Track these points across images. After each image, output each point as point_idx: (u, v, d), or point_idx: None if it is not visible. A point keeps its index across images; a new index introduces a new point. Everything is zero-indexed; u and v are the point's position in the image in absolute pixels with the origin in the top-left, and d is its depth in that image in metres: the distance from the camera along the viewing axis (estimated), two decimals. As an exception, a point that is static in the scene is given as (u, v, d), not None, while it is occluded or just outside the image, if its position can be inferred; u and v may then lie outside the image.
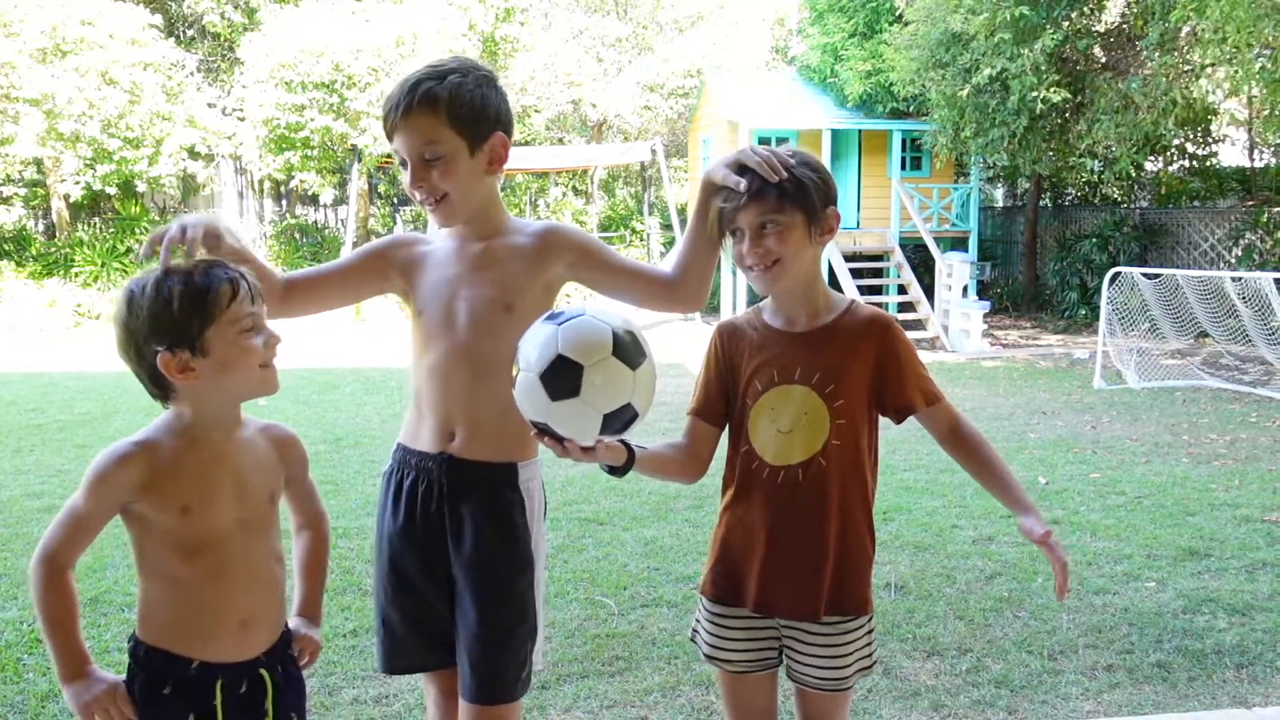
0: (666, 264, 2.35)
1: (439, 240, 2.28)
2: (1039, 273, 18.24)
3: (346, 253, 18.72)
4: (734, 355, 2.18)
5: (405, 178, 2.15)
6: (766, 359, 2.12)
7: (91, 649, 1.88)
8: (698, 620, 2.25)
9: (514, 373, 1.86)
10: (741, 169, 2.05)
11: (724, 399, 2.19)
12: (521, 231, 2.26)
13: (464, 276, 2.19)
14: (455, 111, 2.08)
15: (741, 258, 2.07)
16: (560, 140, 24.60)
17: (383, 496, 2.27)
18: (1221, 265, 14.91)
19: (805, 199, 2.03)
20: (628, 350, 1.82)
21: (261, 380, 1.86)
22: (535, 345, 1.82)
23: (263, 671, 1.91)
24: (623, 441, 1.96)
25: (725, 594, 2.17)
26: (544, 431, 1.86)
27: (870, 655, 2.18)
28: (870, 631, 2.17)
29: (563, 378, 1.78)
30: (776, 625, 2.16)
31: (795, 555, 2.08)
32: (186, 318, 1.77)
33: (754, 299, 14.67)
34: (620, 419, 1.84)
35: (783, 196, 2.02)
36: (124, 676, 1.87)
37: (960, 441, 2.13)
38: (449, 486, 2.16)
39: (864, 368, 2.08)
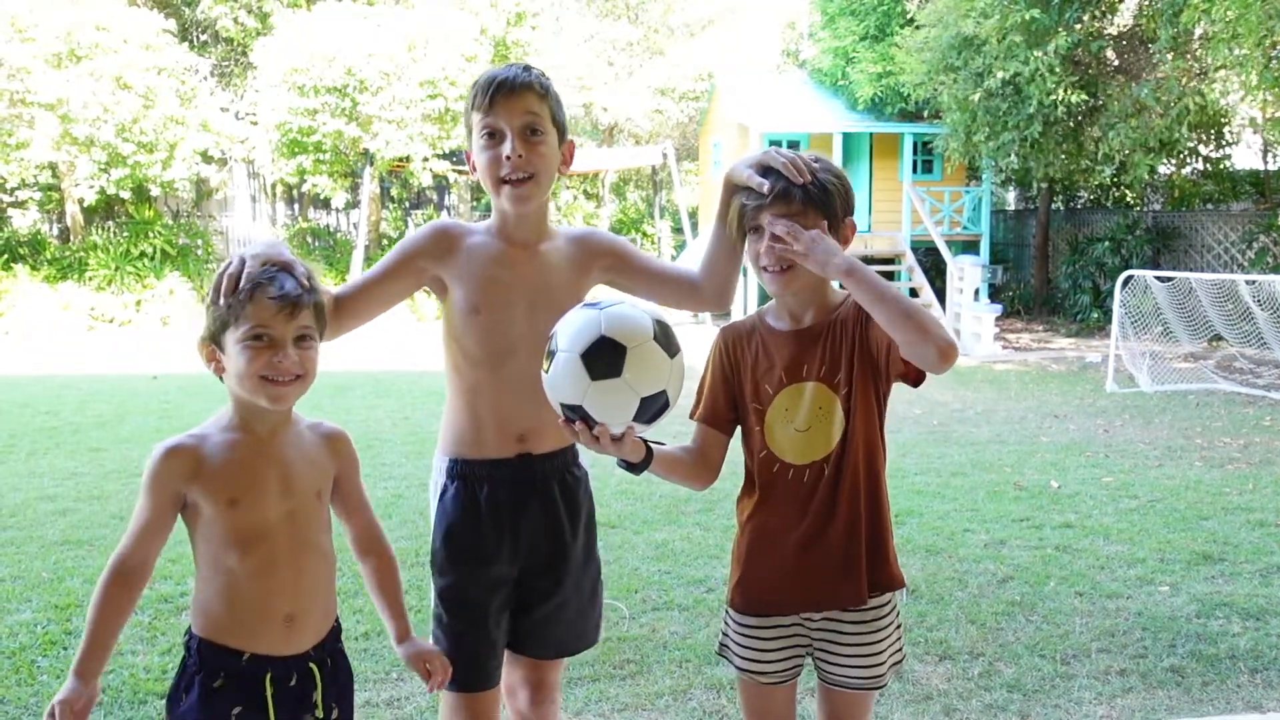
0: (690, 262, 2.38)
1: (482, 235, 2.28)
2: (1051, 276, 18.17)
3: (358, 257, 18.84)
4: (739, 360, 2.19)
5: (490, 152, 2.15)
6: (773, 362, 2.13)
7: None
8: (725, 634, 2.24)
9: (546, 358, 1.87)
10: (765, 170, 2.05)
11: (731, 405, 2.19)
12: (561, 237, 2.33)
13: (523, 282, 2.22)
14: (555, 105, 2.22)
15: (758, 257, 2.07)
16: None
17: (447, 518, 2.25)
18: (1235, 268, 14.84)
19: (829, 205, 2.03)
20: (665, 339, 1.87)
21: (257, 391, 1.87)
22: (575, 328, 1.84)
23: (312, 665, 1.96)
24: (642, 439, 1.98)
25: (756, 604, 2.17)
26: (575, 416, 1.87)
27: (901, 647, 2.20)
28: (899, 620, 2.19)
29: (605, 358, 1.80)
30: (807, 630, 2.16)
31: (834, 546, 2.09)
32: (216, 314, 1.88)
33: (764, 299, 14.58)
34: (655, 405, 1.86)
35: (807, 200, 2.01)
36: (178, 668, 1.95)
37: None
38: (526, 482, 2.23)
39: (858, 343, 2.07)
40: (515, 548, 2.24)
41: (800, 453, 2.10)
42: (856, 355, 2.06)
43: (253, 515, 1.89)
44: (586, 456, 2.32)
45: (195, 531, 1.92)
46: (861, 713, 2.19)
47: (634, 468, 2.00)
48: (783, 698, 2.22)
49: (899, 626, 2.18)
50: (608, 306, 1.87)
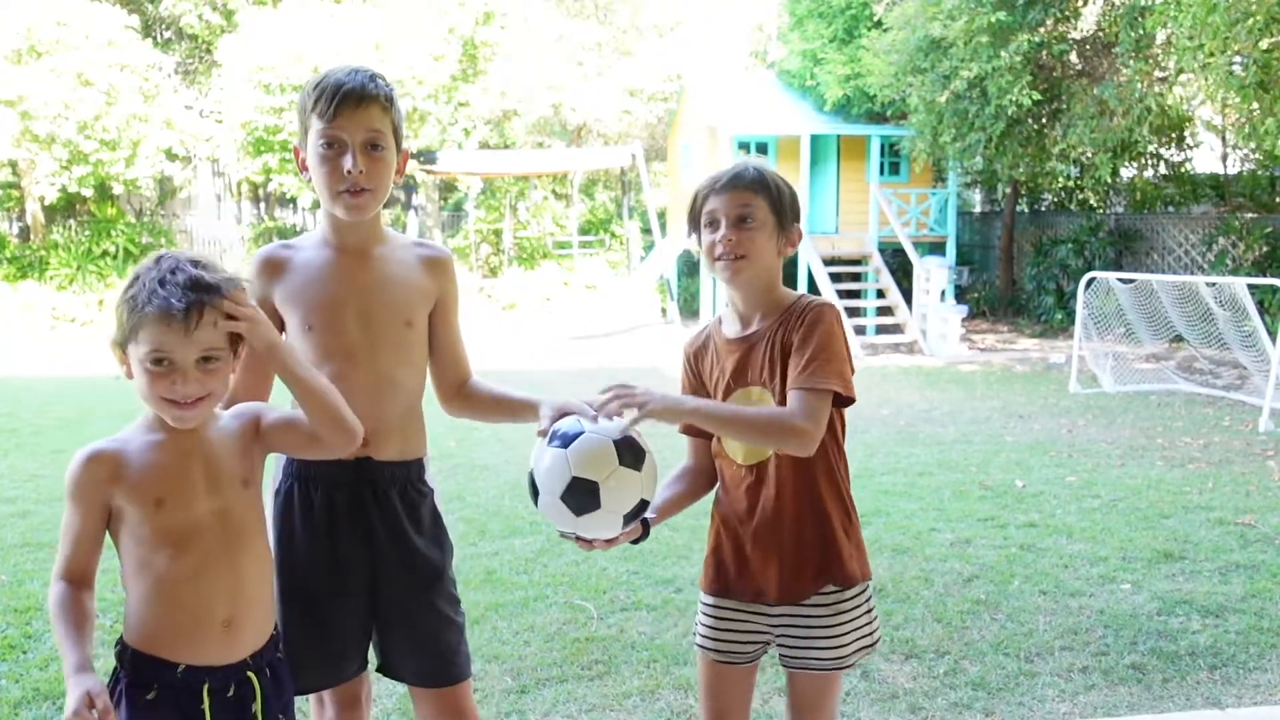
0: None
1: (310, 247, 2.22)
2: (1015, 277, 18.34)
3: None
4: (700, 372, 2.31)
5: (330, 163, 2.08)
6: (725, 368, 2.23)
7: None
8: (698, 615, 2.35)
9: (530, 489, 2.05)
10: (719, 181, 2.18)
11: None
12: (400, 244, 2.29)
13: (355, 290, 2.17)
14: (397, 117, 2.17)
15: (712, 246, 2.15)
16: (540, 144, 24.58)
17: (282, 518, 2.18)
18: (1195, 270, 15.04)
19: (780, 206, 2.16)
20: (630, 456, 2.01)
21: (163, 409, 1.82)
22: (547, 468, 2.00)
23: (250, 674, 1.91)
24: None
25: (718, 586, 2.28)
26: (571, 537, 2.09)
27: (872, 633, 2.24)
28: (870, 610, 2.24)
29: (582, 496, 1.98)
30: (766, 618, 2.23)
31: (777, 543, 2.17)
32: (123, 324, 1.80)
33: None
34: (636, 512, 2.05)
35: (761, 191, 2.14)
36: (108, 681, 1.86)
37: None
38: (369, 490, 2.16)
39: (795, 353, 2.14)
40: (350, 555, 2.16)
41: (747, 454, 2.20)
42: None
43: (181, 514, 1.83)
44: (433, 476, 2.31)
45: (121, 537, 1.86)
46: (822, 694, 2.24)
47: (637, 541, 2.20)
48: (736, 678, 2.30)
49: (869, 611, 2.23)
50: (571, 441, 1.99)
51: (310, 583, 2.16)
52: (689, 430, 2.31)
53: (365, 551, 2.17)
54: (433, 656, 2.23)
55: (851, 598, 2.20)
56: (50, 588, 1.84)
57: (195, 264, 1.81)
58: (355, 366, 2.14)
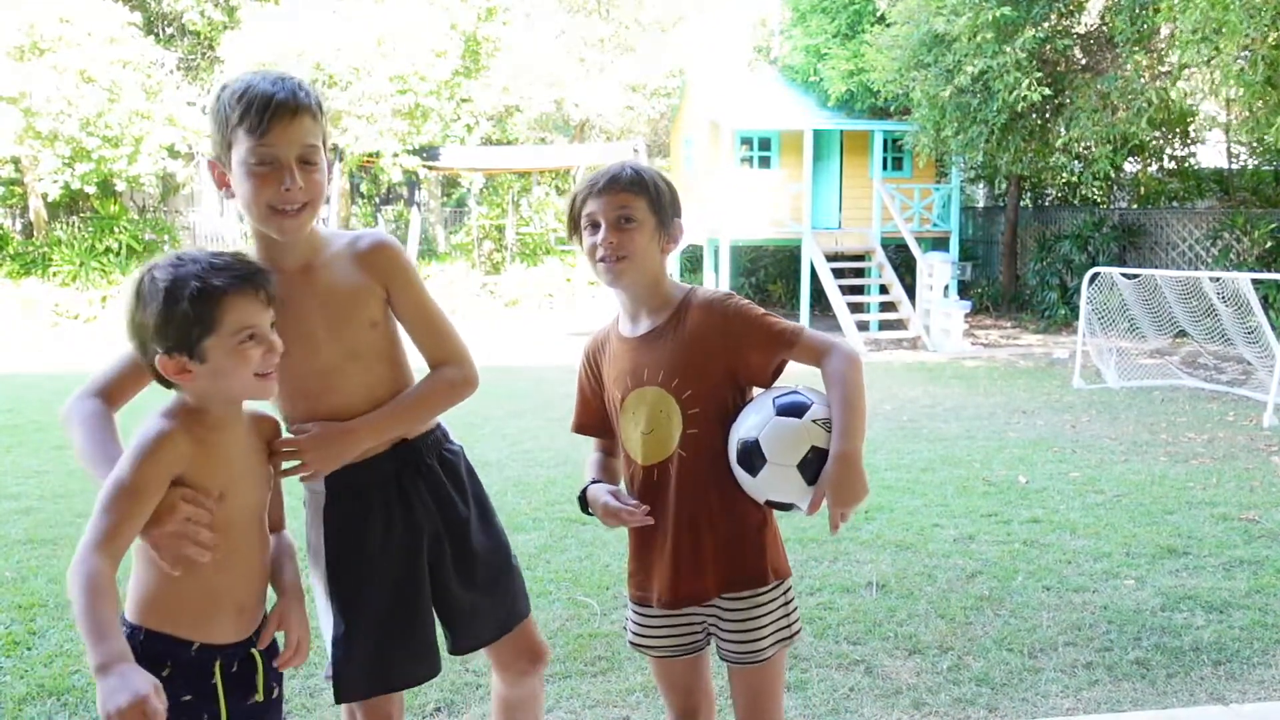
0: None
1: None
2: (1019, 273, 18.33)
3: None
4: (599, 370, 2.33)
5: (262, 181, 1.97)
6: (621, 368, 2.25)
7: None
8: (627, 614, 2.38)
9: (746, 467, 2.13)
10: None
11: (602, 411, 2.34)
12: (335, 243, 2.18)
13: (313, 302, 2.09)
14: (324, 123, 2.07)
15: (593, 249, 2.17)
16: (542, 140, 24.57)
17: (332, 526, 2.18)
18: (1199, 265, 15.01)
19: (660, 204, 2.18)
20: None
21: (255, 388, 1.89)
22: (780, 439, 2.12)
23: (253, 650, 1.97)
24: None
25: (640, 594, 2.30)
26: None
27: (789, 625, 2.26)
28: (787, 602, 2.25)
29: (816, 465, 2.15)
30: (700, 612, 2.26)
31: (682, 545, 2.19)
32: (188, 326, 1.78)
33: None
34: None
35: (640, 191, 2.15)
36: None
37: (825, 377, 2.18)
38: (410, 469, 2.21)
39: (714, 353, 2.16)
40: (409, 535, 2.19)
41: (647, 454, 2.22)
42: (708, 363, 2.16)
43: (235, 508, 1.89)
44: (458, 437, 2.37)
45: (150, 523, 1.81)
46: (762, 684, 2.26)
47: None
48: (682, 669, 2.34)
49: (786, 604, 2.25)
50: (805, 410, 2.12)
51: (389, 581, 2.18)
52: (584, 429, 2.39)
53: (421, 525, 2.21)
54: (500, 605, 2.30)
55: (767, 592, 2.22)
56: (81, 564, 1.71)
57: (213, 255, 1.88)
58: (342, 377, 2.13)
